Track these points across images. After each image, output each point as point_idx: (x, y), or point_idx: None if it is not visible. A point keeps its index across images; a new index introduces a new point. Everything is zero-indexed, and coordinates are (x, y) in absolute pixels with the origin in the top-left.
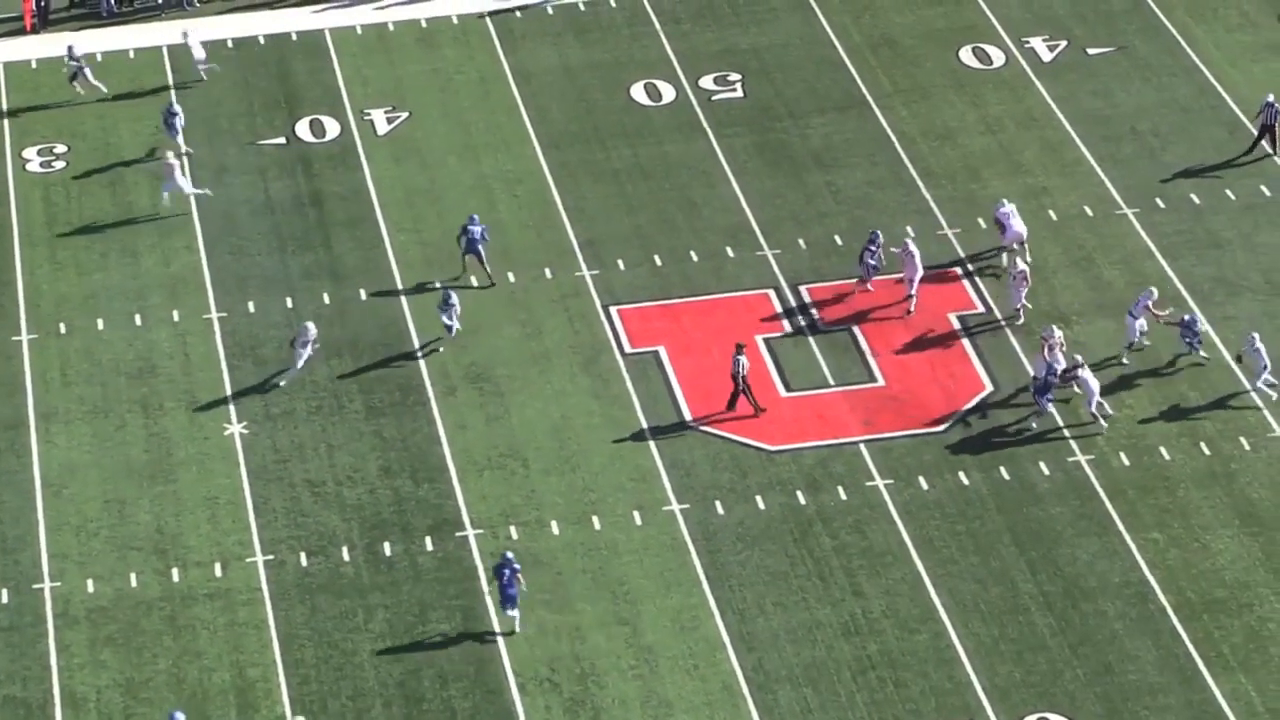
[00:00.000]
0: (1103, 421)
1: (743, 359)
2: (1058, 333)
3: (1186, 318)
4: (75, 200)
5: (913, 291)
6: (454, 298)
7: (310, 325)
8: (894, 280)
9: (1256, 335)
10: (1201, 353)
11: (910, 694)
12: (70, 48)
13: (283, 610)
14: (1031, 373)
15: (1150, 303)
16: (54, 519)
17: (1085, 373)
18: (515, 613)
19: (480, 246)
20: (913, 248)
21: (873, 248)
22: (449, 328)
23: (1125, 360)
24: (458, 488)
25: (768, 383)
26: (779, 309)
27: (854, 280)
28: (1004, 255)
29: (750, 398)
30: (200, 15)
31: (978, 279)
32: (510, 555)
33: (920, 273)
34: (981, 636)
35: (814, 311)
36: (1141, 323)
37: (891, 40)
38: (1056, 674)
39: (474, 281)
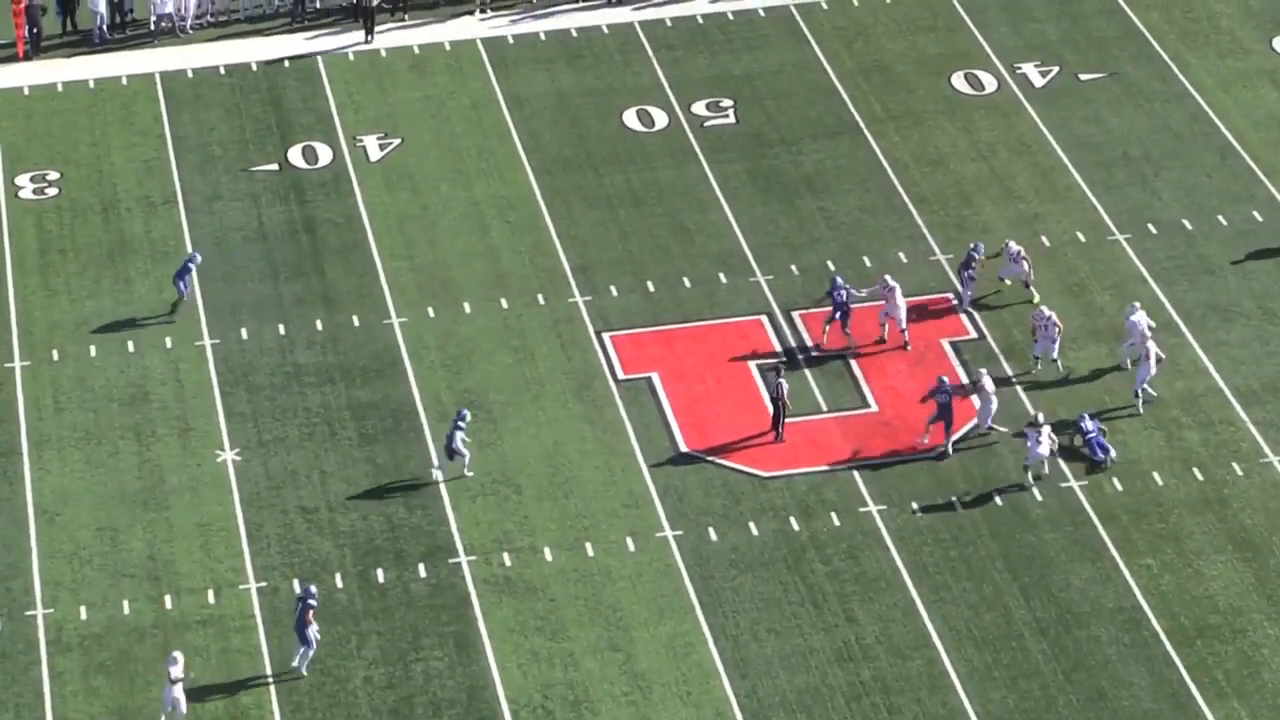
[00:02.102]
0: (995, 432)
1: (783, 382)
2: (1046, 311)
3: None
4: (68, 227)
5: (903, 327)
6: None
7: None
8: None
9: (1153, 346)
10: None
11: None
12: None
13: (276, 637)
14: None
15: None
16: (47, 546)
17: (988, 386)
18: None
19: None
20: (891, 282)
21: (840, 292)
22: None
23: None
24: (450, 514)
25: (760, 409)
26: (772, 335)
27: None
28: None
29: (780, 423)
30: (193, 42)
31: (970, 305)
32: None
33: (903, 309)
34: (975, 662)
35: (807, 337)
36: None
37: (884, 66)
38: (1050, 700)
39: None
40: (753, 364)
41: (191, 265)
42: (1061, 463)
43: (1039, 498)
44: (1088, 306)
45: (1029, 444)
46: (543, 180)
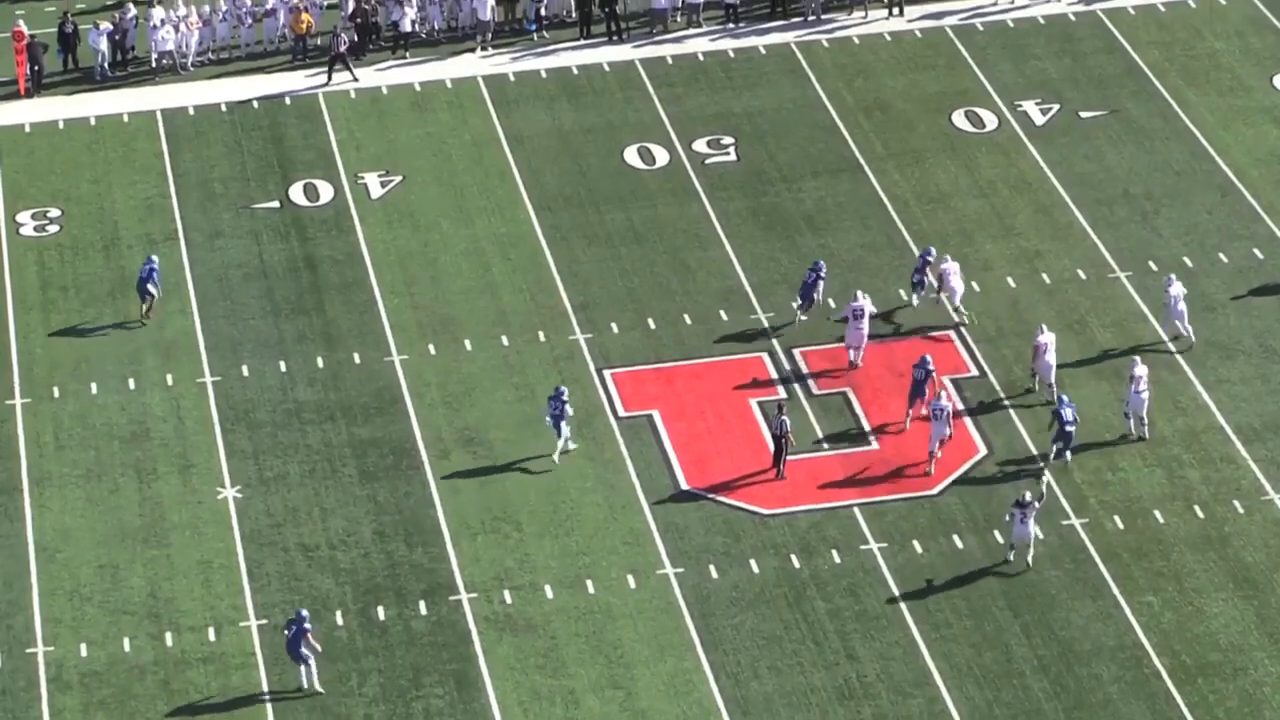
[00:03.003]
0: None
1: (786, 419)
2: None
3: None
4: (69, 264)
5: (856, 360)
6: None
7: None
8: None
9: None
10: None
11: None
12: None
13: (276, 675)
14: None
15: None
16: (47, 583)
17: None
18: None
19: (150, 286)
20: (867, 307)
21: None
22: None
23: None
24: (451, 551)
25: (761, 446)
26: (773, 372)
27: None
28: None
29: (781, 460)
30: (194, 79)
31: (971, 342)
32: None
33: (864, 338)
34: (976, 701)
35: (808, 375)
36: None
37: (884, 104)
38: None
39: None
40: (754, 401)
41: (153, 266)
42: (1063, 500)
43: (1040, 535)
44: (1088, 344)
45: (1016, 521)
46: (544, 217)
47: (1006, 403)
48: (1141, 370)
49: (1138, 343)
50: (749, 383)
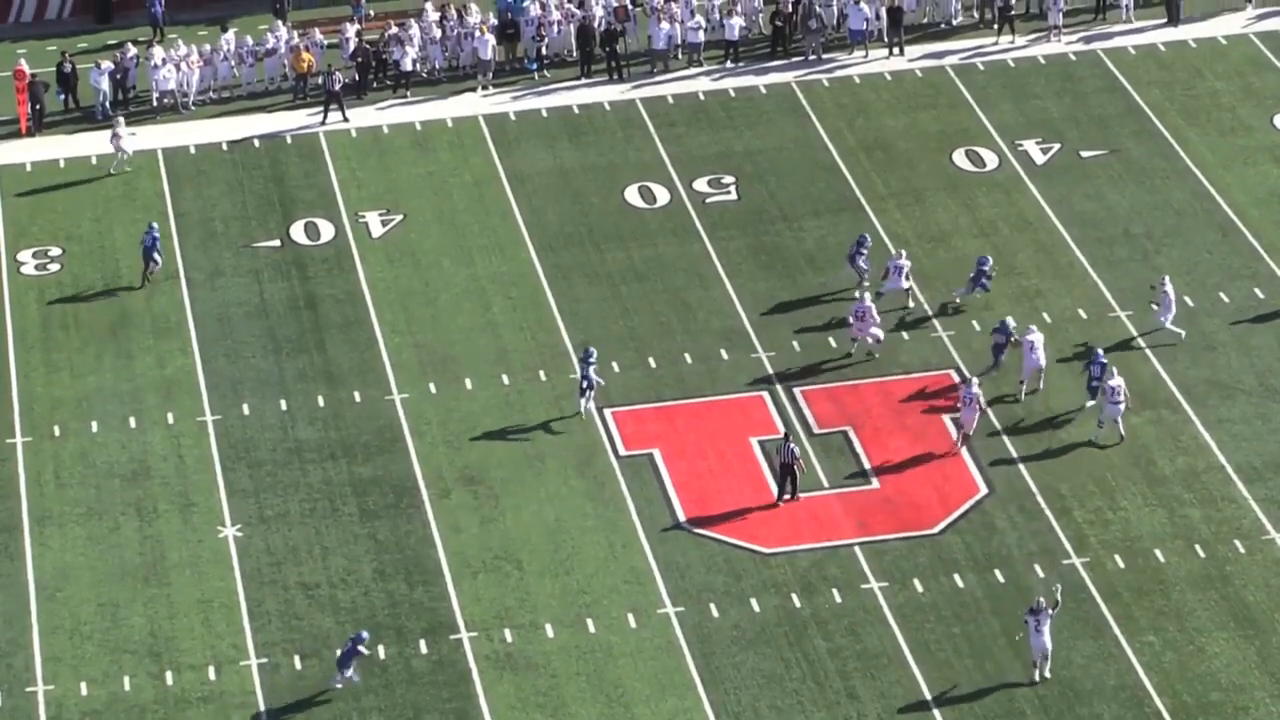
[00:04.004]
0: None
1: (794, 446)
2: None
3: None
4: (70, 303)
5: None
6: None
7: None
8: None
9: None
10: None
11: None
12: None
13: (277, 714)
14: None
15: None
16: (48, 622)
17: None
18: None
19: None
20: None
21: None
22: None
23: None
24: (452, 590)
25: (761, 484)
26: (773, 411)
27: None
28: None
29: (783, 485)
30: (195, 118)
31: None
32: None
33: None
34: None
35: (808, 413)
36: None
37: (885, 143)
38: None
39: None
40: (754, 440)
41: (155, 235)
42: (1064, 539)
43: (1040, 574)
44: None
45: (1031, 630)
46: (544, 256)
47: (1007, 441)
48: (1117, 382)
49: (1139, 382)
50: (749, 423)
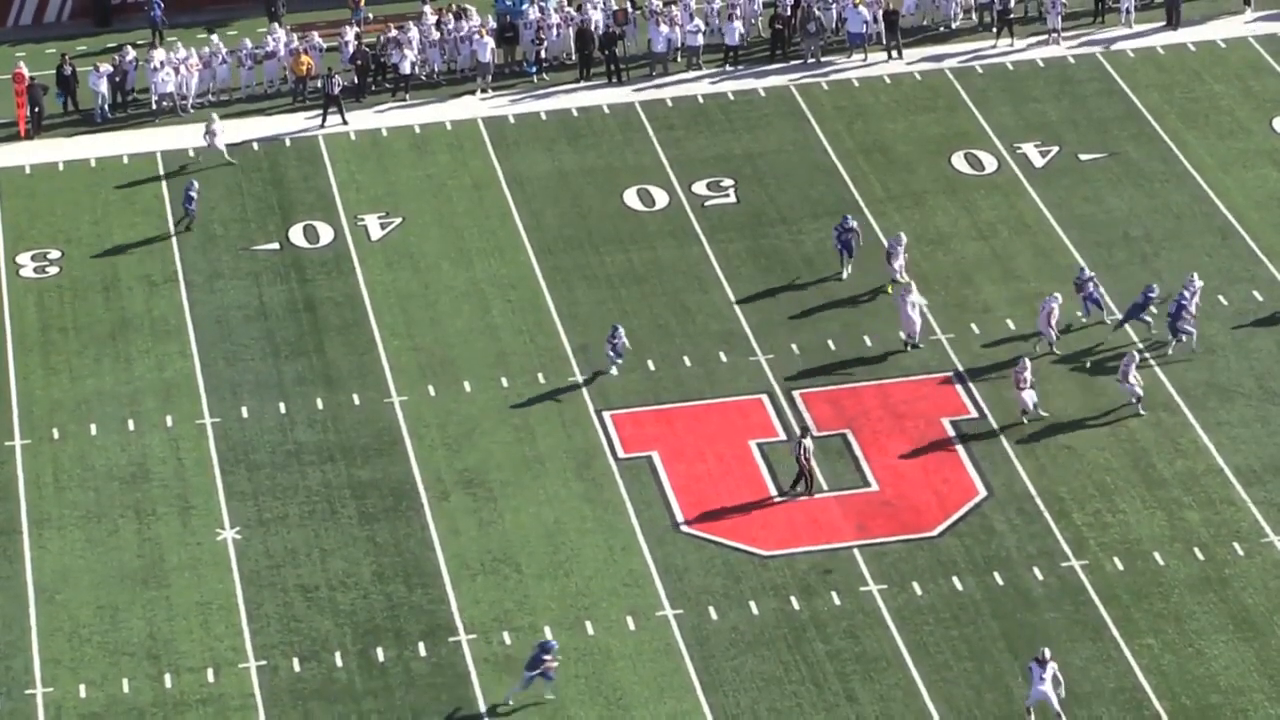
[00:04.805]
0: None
1: (807, 442)
2: (1028, 363)
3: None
4: (69, 306)
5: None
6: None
7: None
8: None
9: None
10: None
11: None
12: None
13: (275, 716)
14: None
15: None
16: (46, 624)
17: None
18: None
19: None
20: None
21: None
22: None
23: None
24: (451, 593)
25: (760, 487)
26: (772, 414)
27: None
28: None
29: (797, 480)
30: (194, 121)
31: (971, 384)
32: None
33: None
34: None
35: (807, 416)
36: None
37: (884, 146)
38: None
39: None
40: (753, 443)
41: (193, 192)
42: (1062, 542)
43: (1040, 576)
44: (1087, 385)
45: (1033, 679)
46: (543, 259)
47: (1006, 443)
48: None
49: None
50: (748, 426)
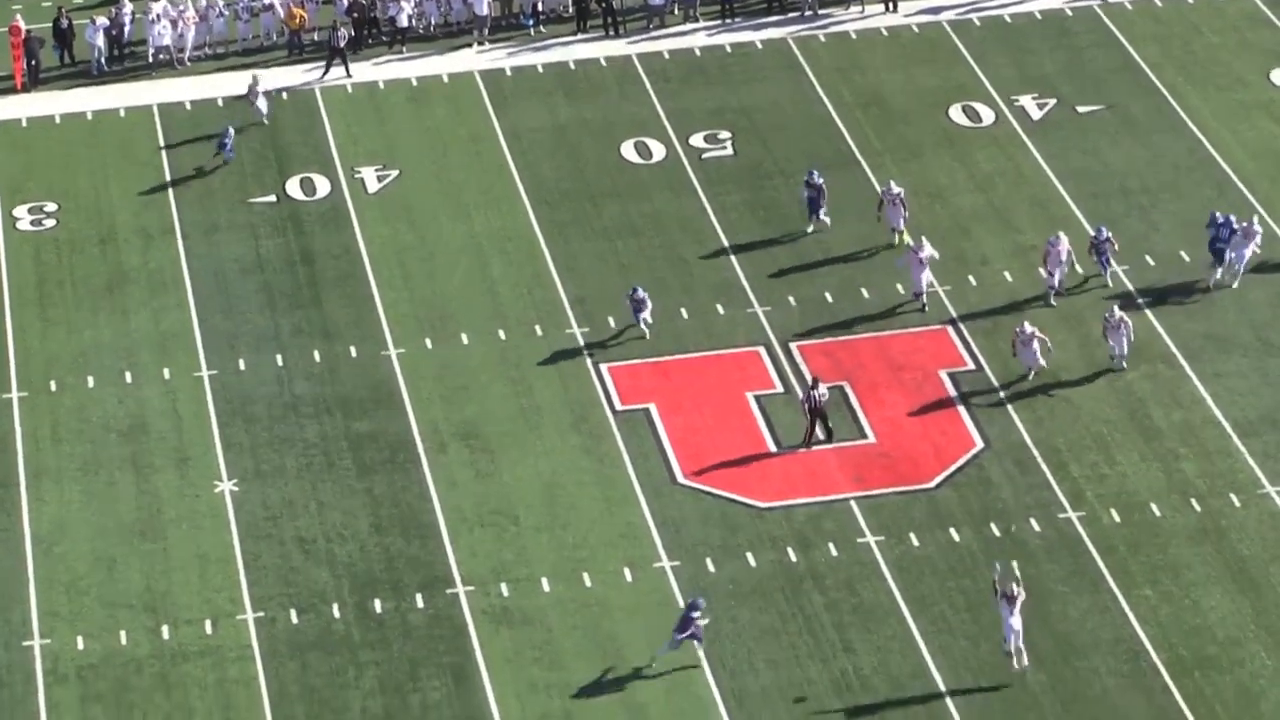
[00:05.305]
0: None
1: (820, 392)
2: (1029, 327)
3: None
4: (66, 259)
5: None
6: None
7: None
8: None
9: None
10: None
11: None
12: (255, 76)
13: (273, 668)
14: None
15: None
16: (44, 576)
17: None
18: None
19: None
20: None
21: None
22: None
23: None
24: (448, 545)
25: (757, 439)
26: (769, 366)
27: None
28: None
29: (813, 429)
30: (191, 74)
31: (969, 336)
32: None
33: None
34: (973, 693)
35: (804, 369)
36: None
37: (881, 99)
38: None
39: None
40: (750, 395)
41: (228, 140)
42: (1060, 494)
43: (1037, 528)
44: (1084, 338)
45: (1004, 616)
46: (540, 212)
47: (1003, 395)
48: (1120, 315)
49: (1135, 337)
50: (746, 378)
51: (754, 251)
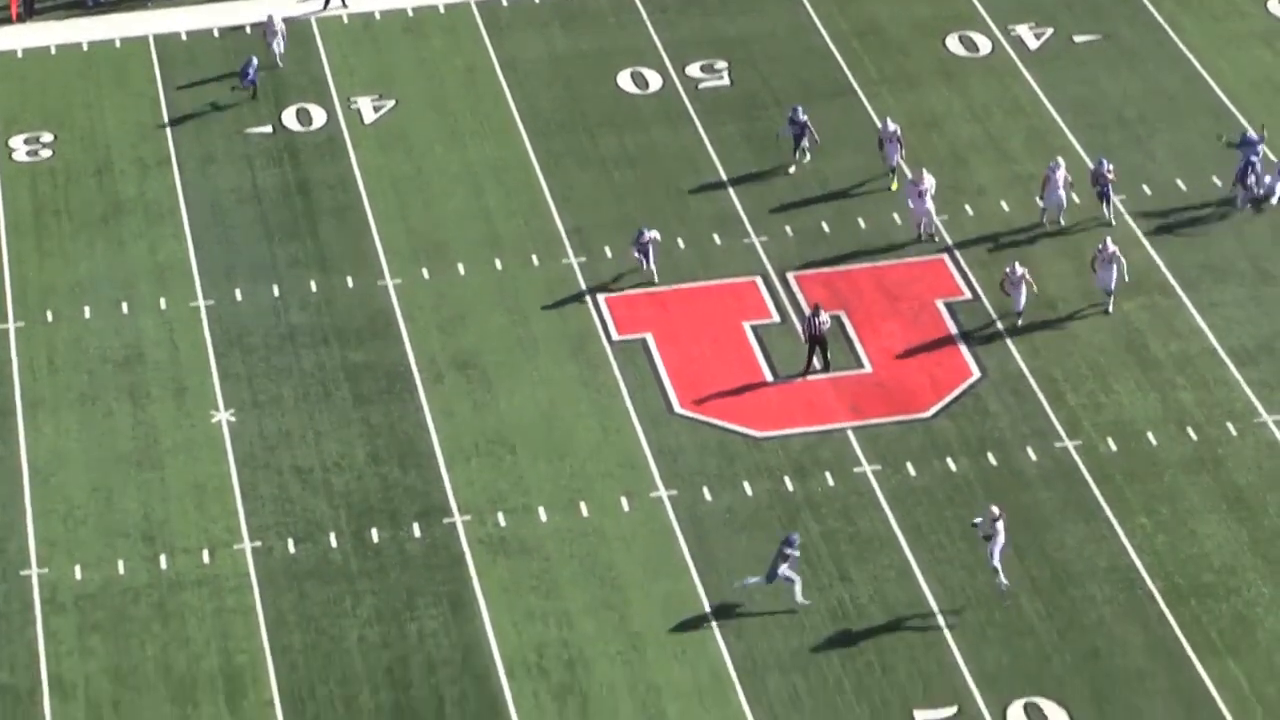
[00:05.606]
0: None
1: (820, 317)
2: (1019, 268)
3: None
4: (62, 189)
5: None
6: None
7: None
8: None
9: None
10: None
11: (898, 679)
12: (270, 17)
13: (270, 597)
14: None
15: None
16: (41, 506)
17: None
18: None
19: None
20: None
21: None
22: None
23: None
24: (445, 474)
25: (754, 369)
26: (766, 296)
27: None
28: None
29: (812, 357)
30: (187, 4)
31: (965, 265)
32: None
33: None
34: (969, 622)
35: (801, 298)
36: (1062, 195)
37: (878, 28)
38: (1044, 659)
39: None
40: (747, 324)
41: (250, 69)
42: (1056, 423)
43: (1033, 457)
44: (1081, 267)
45: (988, 552)
46: (537, 142)
47: (1000, 325)
48: (1113, 248)
49: (1132, 267)
50: (742, 308)
51: (750, 181)
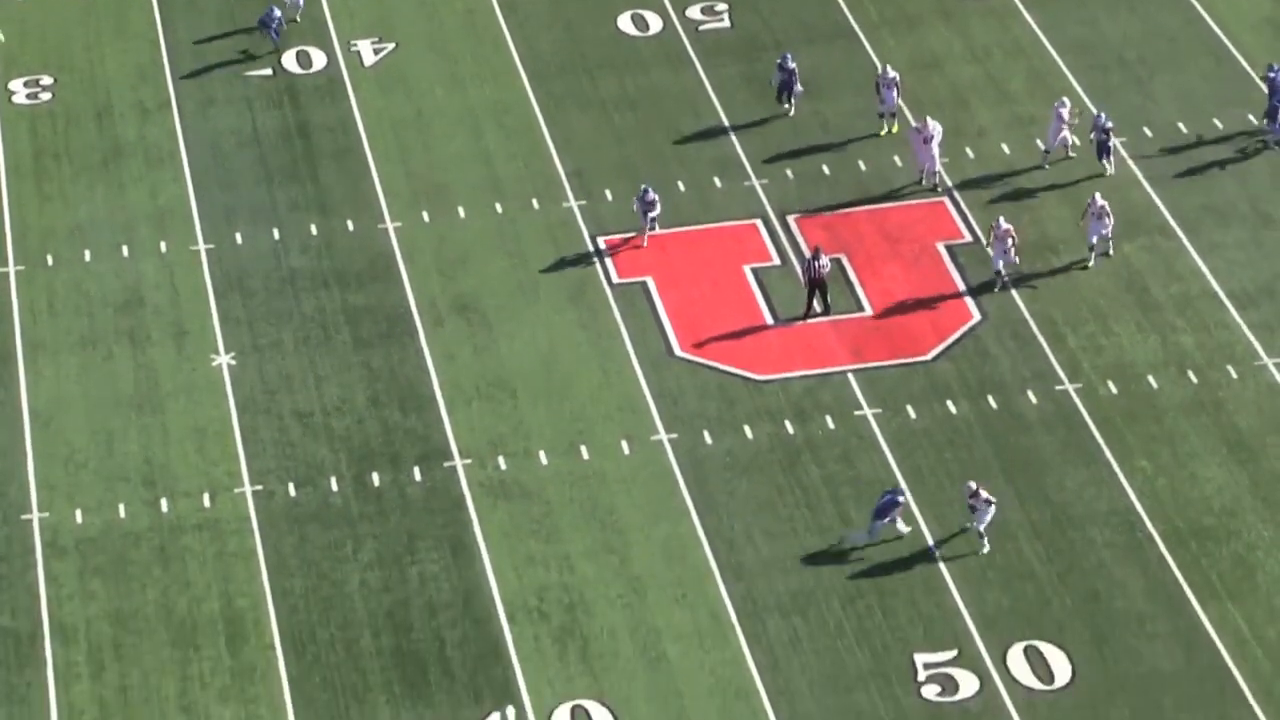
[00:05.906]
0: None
1: (821, 261)
2: (1004, 224)
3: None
4: (62, 132)
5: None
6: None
7: None
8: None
9: None
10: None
11: (898, 622)
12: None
13: (271, 541)
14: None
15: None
16: (42, 450)
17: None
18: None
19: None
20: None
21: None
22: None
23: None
24: (445, 418)
25: (755, 312)
26: (766, 239)
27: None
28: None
29: (812, 300)
30: None
31: (965, 207)
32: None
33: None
34: (969, 564)
35: (801, 241)
36: (1065, 134)
37: None
38: (1044, 602)
39: None
40: (747, 268)
41: (270, 21)
42: (1056, 366)
43: (1033, 400)
44: (1081, 209)
45: (976, 512)
46: (537, 85)
47: (1001, 267)
48: (1102, 202)
49: (1132, 209)
50: (742, 251)
51: (751, 125)
